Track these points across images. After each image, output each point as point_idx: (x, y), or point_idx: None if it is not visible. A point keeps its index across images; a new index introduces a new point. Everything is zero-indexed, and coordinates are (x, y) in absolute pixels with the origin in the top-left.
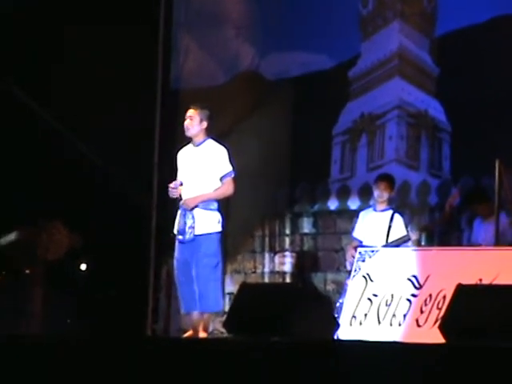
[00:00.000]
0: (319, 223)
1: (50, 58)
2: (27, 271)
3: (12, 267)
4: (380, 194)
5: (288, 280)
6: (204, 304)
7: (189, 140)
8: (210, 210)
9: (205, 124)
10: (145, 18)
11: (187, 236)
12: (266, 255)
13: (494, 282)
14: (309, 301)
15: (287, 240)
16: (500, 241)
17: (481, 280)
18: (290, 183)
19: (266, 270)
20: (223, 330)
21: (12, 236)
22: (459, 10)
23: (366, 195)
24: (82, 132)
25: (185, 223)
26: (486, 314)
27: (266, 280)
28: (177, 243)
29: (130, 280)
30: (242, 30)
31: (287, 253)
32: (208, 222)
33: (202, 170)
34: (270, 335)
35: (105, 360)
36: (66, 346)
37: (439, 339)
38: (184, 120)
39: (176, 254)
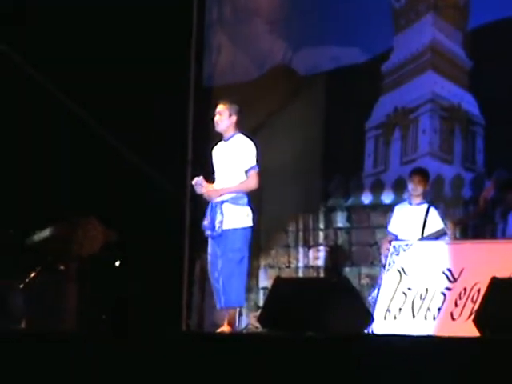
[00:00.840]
0: (353, 217)
1: (85, 55)
2: (62, 267)
3: (46, 263)
4: (414, 187)
5: (322, 274)
6: (227, 299)
7: (222, 136)
8: (239, 204)
9: (234, 118)
10: (178, 14)
11: (216, 231)
12: (300, 250)
13: None
14: (343, 295)
15: (321, 234)
16: None
17: None
18: (324, 177)
19: (300, 264)
20: (258, 325)
21: (46, 232)
22: (492, 3)
23: (399, 189)
24: (117, 128)
25: (214, 218)
26: None
27: (300, 274)
28: (209, 239)
29: (164, 275)
30: (275, 24)
31: (321, 247)
32: (236, 217)
33: (230, 163)
34: (305, 330)
35: (140, 355)
36: (101, 341)
37: (474, 333)
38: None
39: (208, 248)
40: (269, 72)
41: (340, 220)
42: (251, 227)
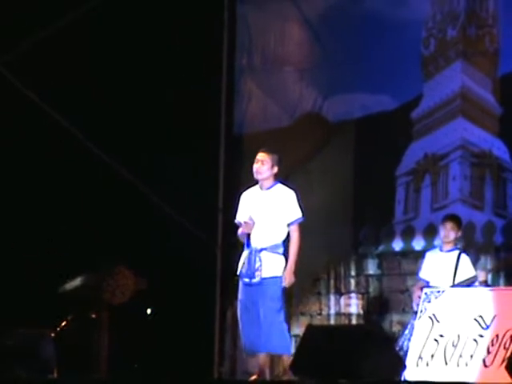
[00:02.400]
0: (384, 264)
1: (122, 108)
2: (93, 316)
3: (78, 312)
4: (447, 234)
5: (354, 322)
6: (270, 345)
7: (254, 182)
8: (277, 253)
9: (276, 169)
10: (208, 62)
11: (255, 279)
12: (332, 297)
13: None
14: (375, 342)
15: (352, 281)
16: None
17: None
18: (355, 224)
19: (332, 311)
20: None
21: (78, 281)
22: None
23: (430, 236)
24: (149, 178)
25: (252, 266)
26: None
27: (332, 322)
28: (241, 285)
29: (196, 323)
30: (305, 72)
31: (353, 294)
32: (275, 266)
33: (273, 214)
34: (337, 377)
35: None
36: None
37: (506, 379)
38: (248, 163)
39: (240, 295)
40: (299, 119)
41: (371, 267)
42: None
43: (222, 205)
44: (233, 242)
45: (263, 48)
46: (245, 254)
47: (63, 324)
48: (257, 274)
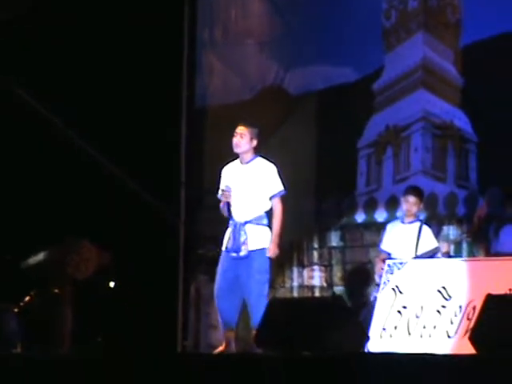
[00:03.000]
0: (346, 236)
1: (76, 78)
2: (57, 290)
3: (41, 287)
4: (409, 208)
5: (317, 294)
6: (255, 320)
7: (216, 155)
8: (262, 225)
9: (255, 142)
10: (169, 36)
11: (242, 252)
12: (295, 269)
13: None
14: (338, 314)
15: (315, 254)
16: None
17: (511, 290)
18: (317, 197)
19: (295, 284)
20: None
21: (41, 256)
22: (483, 21)
23: (392, 207)
24: (110, 151)
25: (238, 240)
26: None
27: (295, 294)
28: (226, 259)
29: (159, 297)
30: (266, 45)
31: (315, 266)
32: (260, 237)
33: (253, 188)
34: (300, 349)
35: (136, 377)
36: (97, 364)
37: (469, 350)
38: (210, 136)
39: (223, 270)
40: (261, 92)
41: (334, 239)
42: None
43: (184, 178)
44: (196, 216)
45: (224, 21)
46: (229, 229)
47: (27, 299)
48: (243, 247)
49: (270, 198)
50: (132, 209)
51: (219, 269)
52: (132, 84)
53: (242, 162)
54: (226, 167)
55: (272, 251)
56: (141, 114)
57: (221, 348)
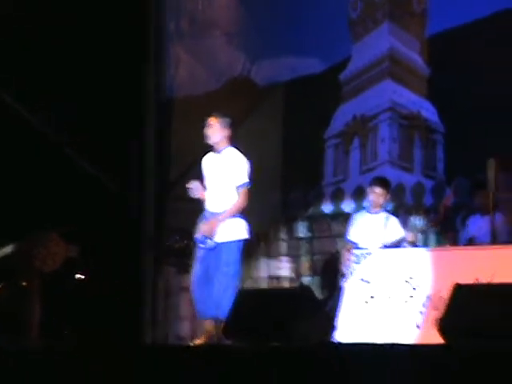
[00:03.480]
0: (314, 227)
1: (44, 67)
2: (24, 283)
3: (9, 280)
4: (375, 198)
5: (285, 285)
6: (222, 312)
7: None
8: (234, 216)
9: (226, 132)
10: (136, 27)
11: (209, 243)
12: (262, 260)
13: (491, 281)
14: (306, 305)
15: (283, 245)
16: (495, 240)
17: (478, 279)
18: (284, 188)
19: (263, 275)
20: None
21: (8, 249)
22: (449, 10)
23: (359, 198)
24: (78, 143)
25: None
26: (484, 314)
27: (263, 285)
28: (198, 250)
29: (127, 289)
30: (233, 36)
31: (283, 257)
32: (230, 230)
33: (222, 178)
34: (268, 340)
35: (104, 370)
36: (64, 357)
37: (438, 340)
38: (177, 127)
39: (196, 259)
40: (228, 84)
41: (301, 230)
42: (245, 239)
43: (152, 170)
44: (166, 208)
45: (191, 12)
46: (201, 219)
47: None
48: (211, 239)
49: (237, 189)
50: (99, 201)
51: (195, 260)
52: (98, 75)
53: (215, 152)
54: (204, 158)
55: (204, 228)
56: (108, 105)
57: (201, 339)
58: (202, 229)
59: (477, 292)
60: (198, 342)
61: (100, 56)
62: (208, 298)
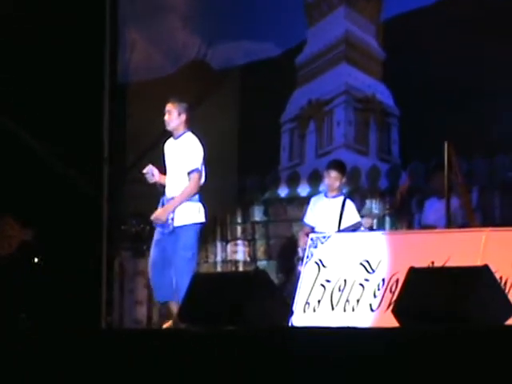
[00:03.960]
0: (270, 211)
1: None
2: None
3: None
4: (331, 182)
5: (241, 268)
6: (180, 296)
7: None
8: (191, 200)
9: (183, 117)
10: (91, 10)
11: (167, 228)
12: (218, 244)
13: (446, 265)
14: (262, 289)
15: (239, 228)
16: (451, 223)
17: (433, 263)
18: (240, 172)
19: (219, 259)
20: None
21: None
22: None
23: (315, 182)
24: (32, 126)
25: None
26: (439, 297)
27: (219, 269)
28: (156, 233)
29: (83, 273)
30: (188, 20)
31: (239, 241)
32: (188, 213)
33: (178, 163)
34: (224, 324)
35: (60, 354)
36: (20, 340)
37: (393, 323)
38: (133, 112)
39: (154, 243)
40: (183, 68)
41: (257, 214)
42: (202, 223)
43: (107, 154)
44: (119, 192)
45: None
46: (160, 204)
47: None
48: (169, 222)
49: (188, 174)
50: (54, 185)
51: (152, 243)
52: (54, 60)
53: (173, 138)
54: (165, 143)
55: (156, 215)
56: (63, 89)
57: (169, 322)
58: (155, 214)
59: (431, 275)
60: (166, 325)
61: (56, 41)
62: (166, 282)
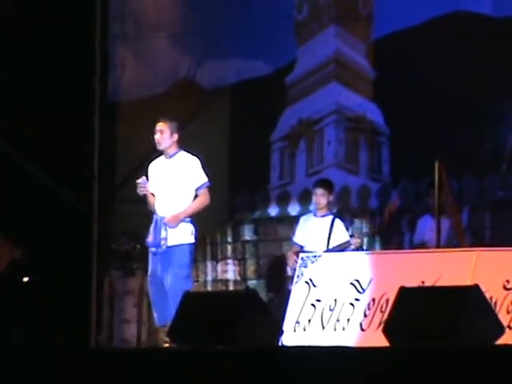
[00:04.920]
0: (260, 230)
1: None
2: None
3: None
4: (318, 200)
5: (231, 288)
6: None
7: (130, 149)
8: (183, 221)
9: (176, 136)
10: (82, 30)
11: (161, 248)
12: (209, 263)
13: (437, 284)
14: (252, 308)
15: (229, 248)
16: (443, 243)
17: (423, 282)
18: (230, 191)
19: (209, 278)
20: (167, 340)
21: None
22: (395, 14)
23: (306, 201)
24: (22, 145)
25: (158, 234)
26: (429, 316)
27: (209, 288)
28: (150, 255)
29: (73, 292)
30: (178, 39)
31: (229, 260)
32: (181, 233)
33: (177, 182)
34: (215, 344)
35: (49, 373)
36: (9, 358)
37: (383, 343)
38: (123, 131)
39: (150, 266)
40: (173, 87)
41: (247, 233)
42: (194, 244)
43: (97, 173)
44: (110, 212)
45: (136, 15)
46: (153, 223)
47: None
48: (162, 242)
49: (196, 190)
50: (44, 203)
51: (149, 266)
52: (44, 78)
53: (166, 157)
54: (152, 163)
55: (169, 219)
56: (54, 107)
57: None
58: (167, 219)
59: (421, 295)
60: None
61: (47, 60)
62: (163, 304)
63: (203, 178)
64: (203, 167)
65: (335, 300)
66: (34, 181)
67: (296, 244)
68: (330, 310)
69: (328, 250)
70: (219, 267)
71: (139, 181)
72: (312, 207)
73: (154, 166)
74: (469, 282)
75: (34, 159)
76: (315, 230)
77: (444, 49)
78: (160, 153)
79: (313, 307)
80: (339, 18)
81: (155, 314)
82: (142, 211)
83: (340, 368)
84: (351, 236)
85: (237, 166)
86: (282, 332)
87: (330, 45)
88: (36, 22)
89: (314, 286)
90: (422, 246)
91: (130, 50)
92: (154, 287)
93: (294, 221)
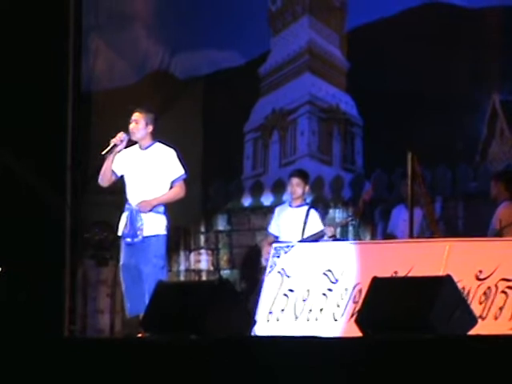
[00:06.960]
0: (233, 220)
1: None
2: None
3: None
4: (293, 190)
5: (204, 278)
6: None
7: (104, 139)
8: (158, 212)
9: (151, 127)
10: (54, 20)
11: (137, 238)
12: (181, 253)
13: (409, 274)
14: (225, 298)
15: (202, 238)
16: (416, 233)
17: (396, 273)
18: (203, 181)
19: (182, 268)
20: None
21: None
22: (368, 4)
23: (279, 191)
24: None
25: (134, 225)
26: (402, 307)
27: (182, 278)
28: (123, 246)
29: (46, 282)
30: (152, 29)
31: (202, 250)
32: (156, 224)
33: (153, 173)
34: (187, 333)
35: (22, 362)
36: None
37: (356, 333)
38: (97, 121)
39: (122, 257)
40: (147, 77)
41: (220, 223)
42: (167, 235)
43: (70, 162)
44: (82, 200)
45: (110, 5)
46: (125, 214)
47: None
48: (138, 233)
49: (172, 182)
50: (17, 193)
51: (121, 255)
52: (18, 68)
53: (140, 148)
54: (123, 151)
55: (141, 204)
56: (27, 97)
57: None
58: (138, 205)
59: (394, 285)
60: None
61: (20, 50)
62: (139, 294)
63: (180, 171)
64: (179, 158)
65: (308, 290)
66: (7, 170)
67: (271, 234)
68: (303, 300)
69: (302, 240)
70: (192, 257)
71: (120, 134)
72: (286, 197)
73: (126, 156)
74: (441, 273)
75: (7, 148)
76: (290, 220)
77: (418, 40)
78: (132, 143)
79: (286, 297)
80: (313, 9)
81: (127, 305)
82: (115, 201)
83: (313, 358)
84: (325, 226)
85: (210, 156)
86: (254, 322)
87: (303, 35)
88: (9, 12)
89: (287, 276)
90: (395, 236)
91: (104, 40)
92: (128, 278)
93: (268, 211)
